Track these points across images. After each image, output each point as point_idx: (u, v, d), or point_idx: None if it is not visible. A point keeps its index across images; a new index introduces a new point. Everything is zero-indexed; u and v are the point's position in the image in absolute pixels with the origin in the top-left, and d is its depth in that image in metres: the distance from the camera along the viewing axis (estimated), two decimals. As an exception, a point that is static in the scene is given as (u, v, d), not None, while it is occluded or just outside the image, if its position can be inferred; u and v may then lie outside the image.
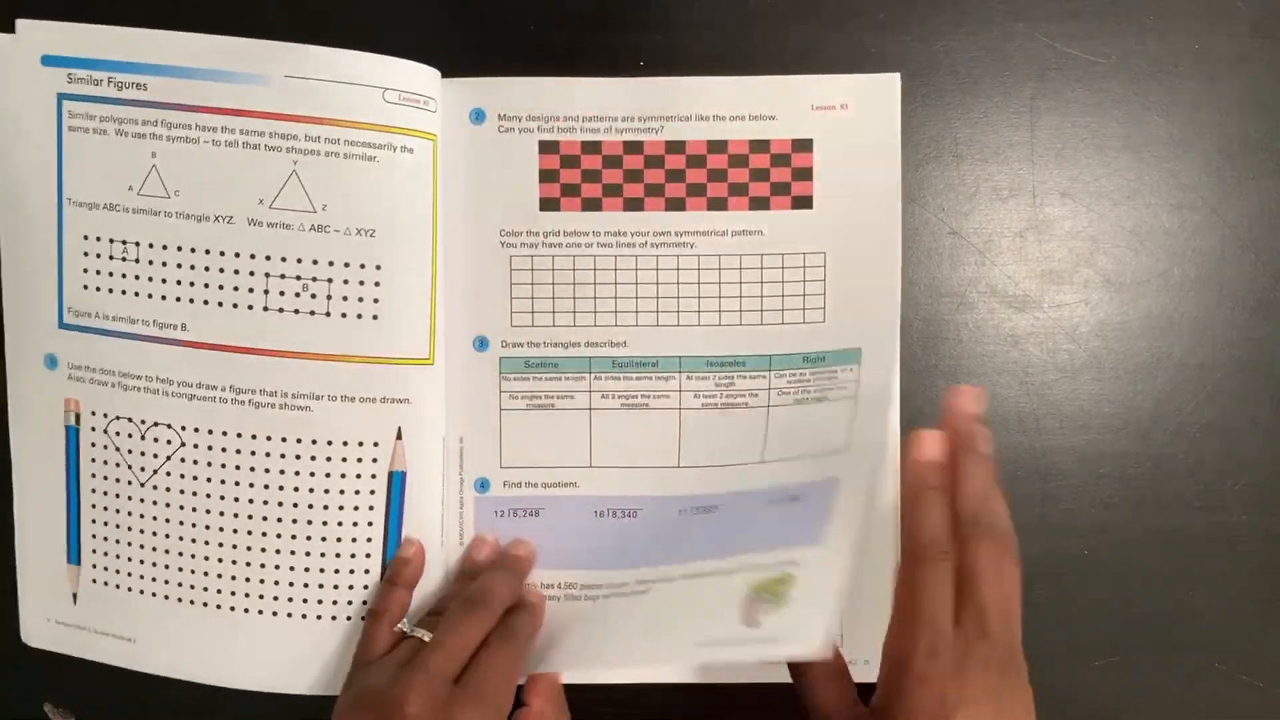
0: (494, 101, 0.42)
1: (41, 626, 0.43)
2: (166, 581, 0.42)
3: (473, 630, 0.37)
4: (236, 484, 0.41)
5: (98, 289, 0.41)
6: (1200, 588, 0.43)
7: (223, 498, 0.41)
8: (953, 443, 0.37)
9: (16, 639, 0.44)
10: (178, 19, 0.40)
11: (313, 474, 0.41)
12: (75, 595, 0.43)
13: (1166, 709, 0.43)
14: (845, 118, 0.42)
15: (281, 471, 0.41)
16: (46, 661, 0.43)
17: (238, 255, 0.40)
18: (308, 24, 0.41)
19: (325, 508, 0.41)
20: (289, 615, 0.42)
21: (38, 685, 0.44)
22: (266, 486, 0.41)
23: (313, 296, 0.40)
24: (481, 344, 0.42)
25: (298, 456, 0.41)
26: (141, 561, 0.42)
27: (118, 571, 0.42)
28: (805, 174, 0.42)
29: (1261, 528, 0.43)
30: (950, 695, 0.31)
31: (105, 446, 0.42)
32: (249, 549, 0.41)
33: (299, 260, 0.40)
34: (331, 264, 0.40)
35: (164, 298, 0.40)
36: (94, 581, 0.42)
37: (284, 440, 0.41)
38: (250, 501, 0.41)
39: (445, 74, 0.41)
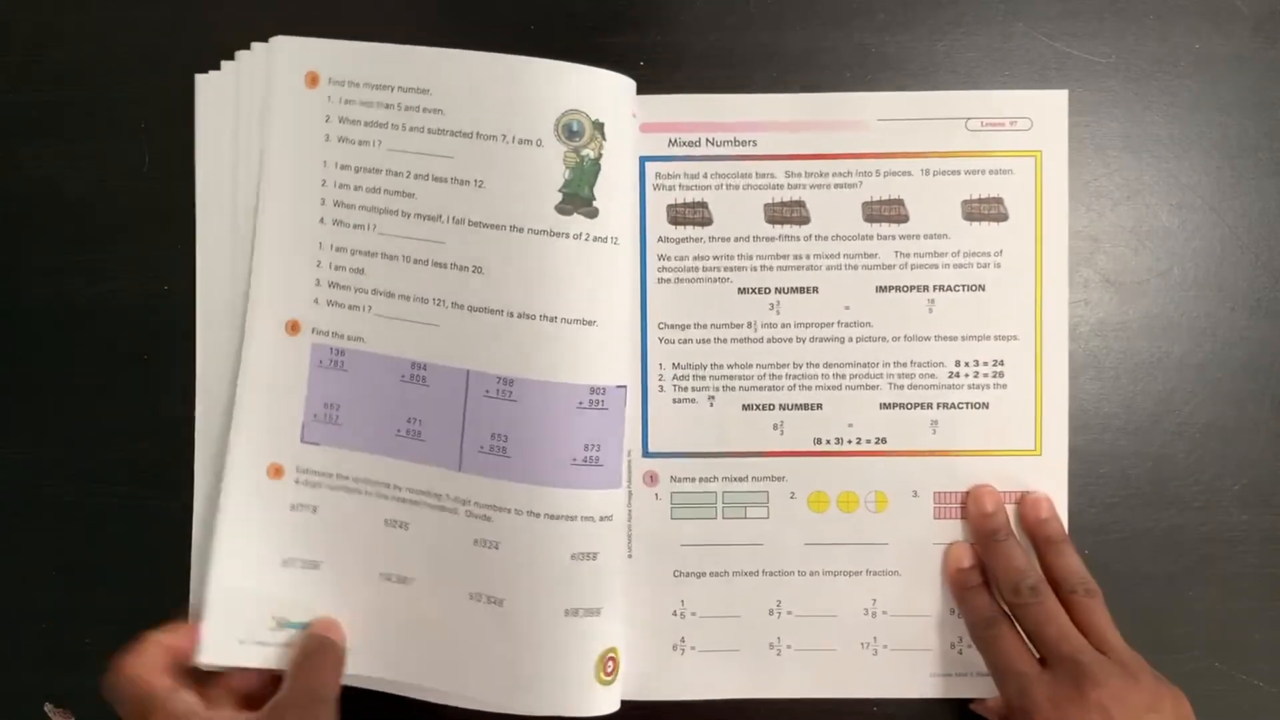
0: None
1: None
2: None
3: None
4: None
5: None
6: (1200, 588, 0.43)
7: None
8: (982, 537, 0.42)
9: (25, 638, 0.44)
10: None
11: None
12: None
13: (1166, 709, 0.43)
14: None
15: None
16: (44, 661, 0.44)
17: None
18: (306, 12, 0.41)
19: None
20: None
21: (38, 684, 0.44)
22: None
23: None
24: None
25: None
26: None
27: None
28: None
29: (1261, 528, 0.43)
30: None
31: None
32: None
33: None
34: None
35: None
36: None
37: None
38: None
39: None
